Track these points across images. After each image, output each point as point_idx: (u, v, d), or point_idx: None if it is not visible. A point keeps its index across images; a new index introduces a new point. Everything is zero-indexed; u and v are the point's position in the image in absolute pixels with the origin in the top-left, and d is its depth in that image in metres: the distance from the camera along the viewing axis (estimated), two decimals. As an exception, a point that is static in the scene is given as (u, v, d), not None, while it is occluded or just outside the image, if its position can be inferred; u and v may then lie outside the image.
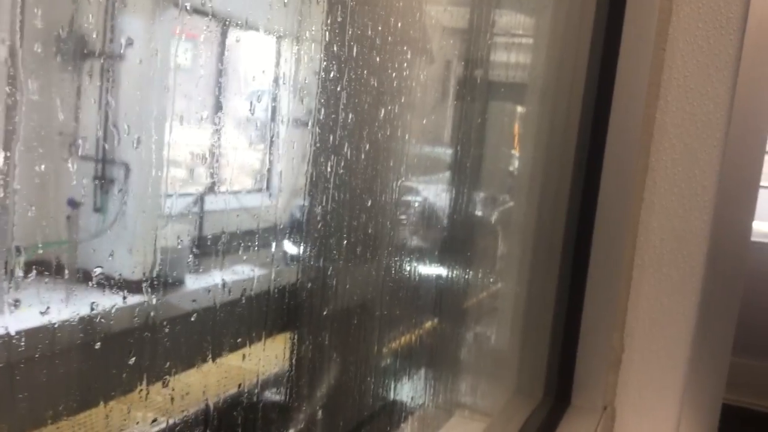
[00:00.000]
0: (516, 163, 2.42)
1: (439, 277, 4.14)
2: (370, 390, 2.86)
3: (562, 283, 1.47)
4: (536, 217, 1.56)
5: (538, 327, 1.53)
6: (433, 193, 5.33)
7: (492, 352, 1.75)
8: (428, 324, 4.01)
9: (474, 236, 4.69)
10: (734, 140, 1.65)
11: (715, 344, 1.56)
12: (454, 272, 4.07)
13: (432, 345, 3.30)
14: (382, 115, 3.46)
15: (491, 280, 2.46)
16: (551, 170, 1.48)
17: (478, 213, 4.93)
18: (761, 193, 1.92)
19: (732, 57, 1.66)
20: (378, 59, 2.93)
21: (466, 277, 3.71)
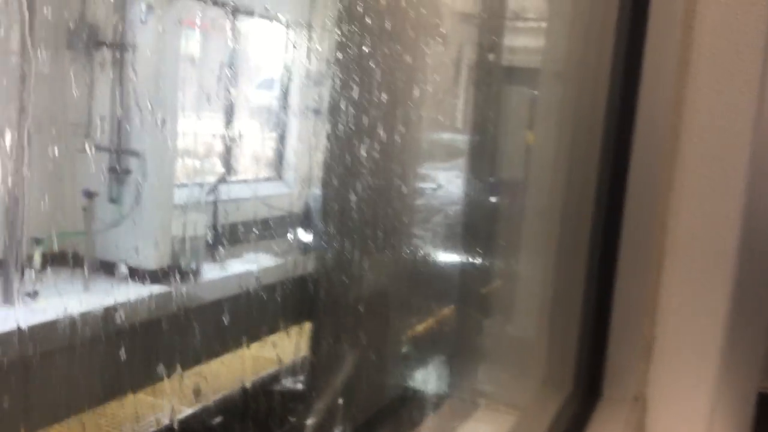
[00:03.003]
0: (539, 147, 2.35)
1: (461, 262, 4.08)
2: (390, 381, 2.82)
3: (591, 269, 1.43)
4: (563, 200, 1.51)
5: (566, 315, 1.48)
6: (451, 178, 5.24)
7: (519, 340, 1.70)
8: (451, 311, 3.97)
9: (496, 220, 4.63)
10: (766, 120, 1.59)
11: (750, 331, 1.52)
12: (477, 257, 4.02)
13: (456, 333, 3.27)
14: (396, 101, 3.39)
15: (516, 265, 2.42)
16: (577, 153, 1.43)
17: (500, 197, 4.86)
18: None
19: (762, 33, 1.60)
20: (392, 45, 2.87)
21: (490, 262, 3.66)
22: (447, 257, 5.21)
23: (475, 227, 4.47)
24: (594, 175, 1.41)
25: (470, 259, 4.55)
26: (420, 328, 4.22)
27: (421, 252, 5.17)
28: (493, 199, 4.85)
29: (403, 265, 3.67)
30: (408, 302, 4.09)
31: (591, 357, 1.44)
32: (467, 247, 4.60)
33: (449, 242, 5.25)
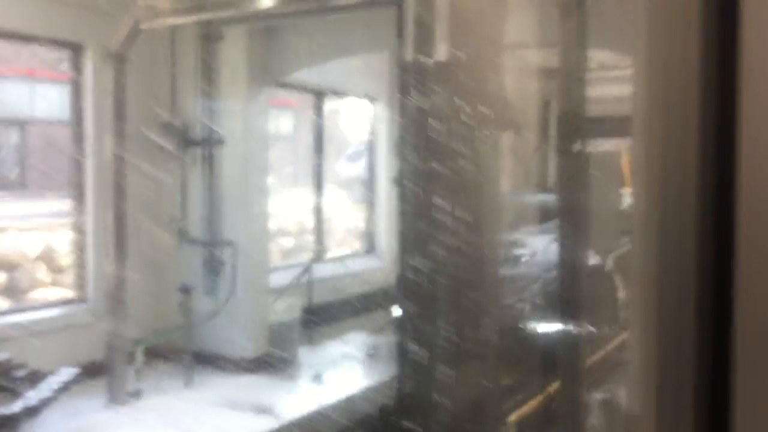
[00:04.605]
0: (638, 206, 2.17)
1: (563, 332, 3.85)
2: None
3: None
4: (659, 264, 1.34)
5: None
6: (542, 244, 4.99)
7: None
8: (555, 389, 3.72)
9: (594, 288, 4.34)
10: None
11: None
12: (578, 327, 3.79)
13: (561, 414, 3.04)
14: (477, 168, 3.26)
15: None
16: (670, 215, 1.28)
17: (594, 261, 4.57)
18: None
19: None
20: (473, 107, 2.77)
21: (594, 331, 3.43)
22: (548, 327, 4.94)
23: (572, 296, 4.21)
24: (692, 245, 1.23)
25: (571, 329, 4.30)
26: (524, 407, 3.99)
27: (521, 323, 4.93)
28: (587, 263, 4.59)
29: (500, 337, 3.49)
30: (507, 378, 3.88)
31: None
32: (568, 317, 4.35)
33: (548, 312, 4.98)
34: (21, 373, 3.69)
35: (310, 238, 7.55)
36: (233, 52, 4.83)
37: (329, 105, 7.22)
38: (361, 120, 8.18)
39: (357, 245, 7.69)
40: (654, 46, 1.51)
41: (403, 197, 2.86)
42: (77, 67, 4.58)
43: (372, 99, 7.20)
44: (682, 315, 1.25)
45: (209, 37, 4.82)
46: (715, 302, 1.20)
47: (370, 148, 7.60)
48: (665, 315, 1.28)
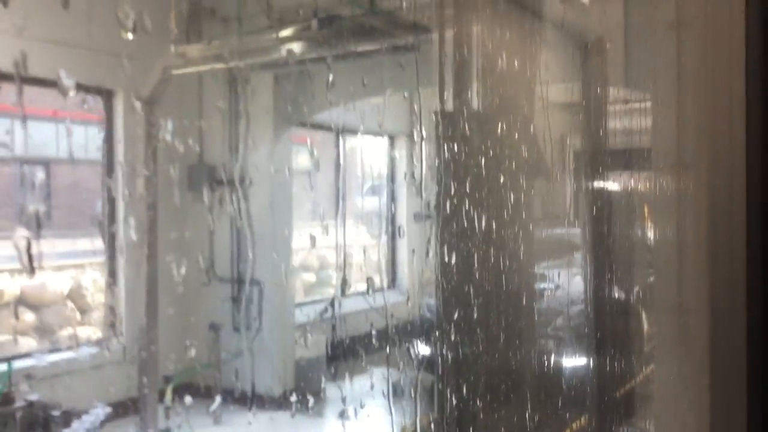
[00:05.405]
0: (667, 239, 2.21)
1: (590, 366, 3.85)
2: None
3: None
4: (708, 299, 1.37)
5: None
6: (563, 278, 4.98)
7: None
8: (585, 421, 3.73)
9: (617, 322, 4.36)
10: None
11: None
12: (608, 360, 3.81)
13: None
14: (504, 201, 3.31)
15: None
16: (719, 248, 1.32)
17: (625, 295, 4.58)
18: None
19: None
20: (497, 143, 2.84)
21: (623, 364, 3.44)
22: (571, 362, 4.95)
23: (607, 329, 4.23)
24: (742, 274, 1.26)
25: (601, 362, 4.32)
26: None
27: (544, 357, 4.93)
28: (617, 296, 4.61)
29: (526, 371, 3.51)
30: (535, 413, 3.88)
31: None
32: (594, 349, 4.37)
33: (571, 346, 5.00)
34: (55, 412, 3.75)
35: (331, 273, 7.61)
36: (259, 95, 4.96)
37: (349, 141, 7.34)
38: (381, 156, 8.30)
39: (378, 280, 7.73)
40: (700, 83, 1.56)
41: (441, 238, 2.90)
42: (108, 110, 4.71)
43: (392, 136, 7.31)
44: (733, 344, 1.27)
45: (236, 80, 4.97)
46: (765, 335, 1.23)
47: (390, 183, 7.69)
48: (717, 345, 1.31)
